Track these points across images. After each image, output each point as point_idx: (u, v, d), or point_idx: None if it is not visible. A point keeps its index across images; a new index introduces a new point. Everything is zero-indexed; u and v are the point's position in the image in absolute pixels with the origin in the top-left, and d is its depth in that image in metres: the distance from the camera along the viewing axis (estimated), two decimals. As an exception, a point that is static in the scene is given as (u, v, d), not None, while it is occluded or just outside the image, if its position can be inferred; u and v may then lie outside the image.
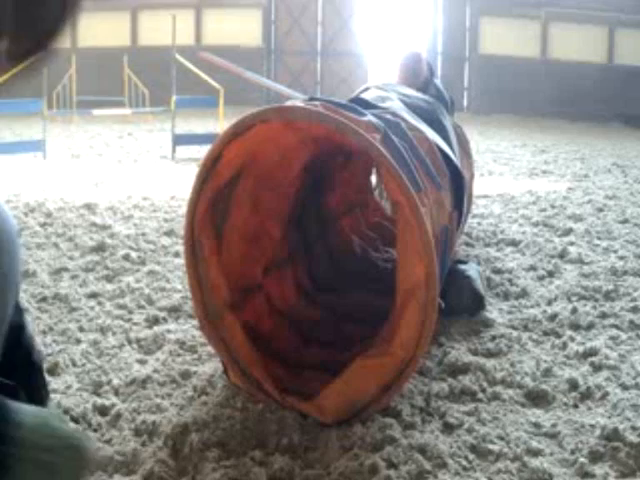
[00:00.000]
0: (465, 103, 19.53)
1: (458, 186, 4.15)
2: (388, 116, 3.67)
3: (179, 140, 10.70)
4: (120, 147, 11.60)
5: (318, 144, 3.64)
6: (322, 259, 4.34)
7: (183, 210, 6.54)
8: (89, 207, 7.00)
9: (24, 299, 4.37)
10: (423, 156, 3.50)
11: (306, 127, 3.12)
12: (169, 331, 3.90)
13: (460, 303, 4.09)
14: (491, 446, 2.81)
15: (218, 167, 3.09)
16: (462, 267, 4.32)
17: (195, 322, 3.92)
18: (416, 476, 2.61)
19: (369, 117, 3.25)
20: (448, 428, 2.97)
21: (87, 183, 8.40)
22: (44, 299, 4.42)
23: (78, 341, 3.81)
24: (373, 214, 5.41)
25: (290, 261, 3.98)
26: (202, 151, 10.06)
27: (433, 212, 3.19)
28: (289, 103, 3.35)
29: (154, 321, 4.08)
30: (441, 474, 2.61)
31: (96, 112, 12.84)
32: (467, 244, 5.70)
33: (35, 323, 4.01)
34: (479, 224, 6.35)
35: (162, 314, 4.17)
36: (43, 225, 6.32)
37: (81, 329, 3.98)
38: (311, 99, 3.28)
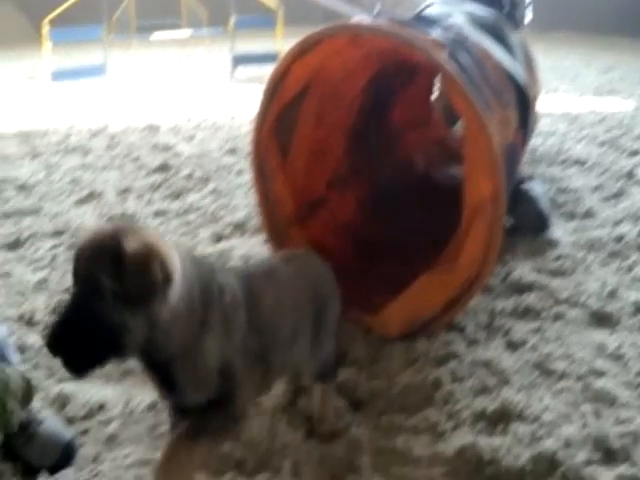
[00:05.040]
0: (529, 19, 19.00)
1: (523, 104, 4.08)
2: (453, 33, 3.61)
3: (238, 60, 10.66)
4: (180, 69, 11.60)
5: (383, 59, 3.61)
6: (385, 174, 4.32)
7: (244, 129, 6.57)
8: (152, 128, 7.06)
9: (92, 220, 4.47)
10: (489, 73, 3.44)
11: (372, 42, 3.09)
12: (234, 247, 3.96)
13: (525, 222, 4.06)
14: (555, 365, 2.82)
15: (285, 83, 3.10)
16: (527, 186, 4.27)
17: (260, 238, 3.97)
18: (479, 391, 2.64)
19: (435, 33, 3.21)
20: (512, 345, 2.98)
21: (149, 105, 8.44)
22: (111, 218, 4.50)
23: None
24: (436, 130, 5.36)
25: (354, 176, 3.98)
26: (261, 71, 10.00)
27: (499, 129, 3.15)
28: (356, 19, 3.32)
29: (219, 237, 4.15)
30: (504, 390, 2.63)
31: (155, 36, 12.78)
32: (531, 163, 5.61)
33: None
34: (543, 143, 6.24)
35: (227, 230, 4.23)
36: (108, 147, 6.40)
37: (149, 246, 4.05)
38: (377, 15, 3.24)
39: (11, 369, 2.27)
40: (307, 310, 2.25)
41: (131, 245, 1.66)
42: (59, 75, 9.80)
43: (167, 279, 1.70)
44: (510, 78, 3.87)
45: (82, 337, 1.66)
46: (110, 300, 1.64)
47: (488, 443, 2.31)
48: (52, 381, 2.74)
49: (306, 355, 2.28)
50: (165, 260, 1.70)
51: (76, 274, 1.69)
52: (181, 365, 1.84)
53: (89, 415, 2.59)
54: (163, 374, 1.88)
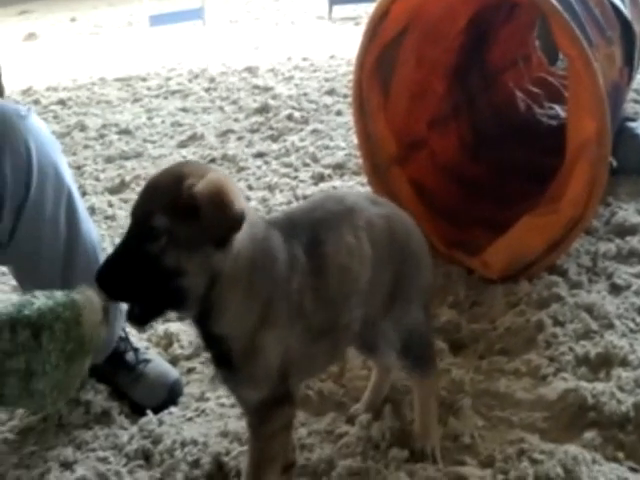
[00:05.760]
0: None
1: (628, 40, 3.93)
2: (555, -34, 3.50)
3: (335, 0, 10.57)
4: (277, 10, 11.58)
5: (483, -3, 3.55)
6: (486, 114, 4.25)
7: (343, 69, 6.54)
8: (250, 70, 7.10)
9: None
10: (592, 8, 3.33)
11: (473, -21, 3.03)
12: (334, 187, 3.99)
13: (629, 162, 3.93)
14: (660, 309, 2.74)
15: (385, 24, 3.08)
16: (631, 125, 4.14)
17: (360, 179, 3.98)
18: (582, 335, 2.60)
19: (538, -33, 3.11)
20: (615, 289, 2.91)
21: (247, 47, 8.48)
22: (213, 160, 4.59)
23: (247, 199, 3.94)
24: (537, 69, 5.23)
25: (454, 116, 3.94)
26: (358, 9, 9.91)
27: (604, 67, 3.06)
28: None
29: (319, 178, 4.18)
30: (607, 334, 2.58)
31: (251, -24, 12.78)
32: (636, 101, 5.41)
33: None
34: (649, 81, 6.02)
35: (327, 171, 4.25)
36: (207, 90, 6.48)
37: (250, 187, 4.13)
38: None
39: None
40: (387, 266, 1.91)
41: (204, 184, 1.55)
42: (157, 20, 9.92)
43: (242, 216, 1.58)
44: (615, 13, 3.74)
45: (131, 278, 1.58)
46: (163, 241, 1.55)
47: (590, 388, 2.28)
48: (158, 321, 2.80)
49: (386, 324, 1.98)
50: (238, 197, 1.60)
51: (132, 212, 1.62)
52: (237, 359, 1.71)
53: (194, 354, 2.67)
54: (219, 354, 1.75)
